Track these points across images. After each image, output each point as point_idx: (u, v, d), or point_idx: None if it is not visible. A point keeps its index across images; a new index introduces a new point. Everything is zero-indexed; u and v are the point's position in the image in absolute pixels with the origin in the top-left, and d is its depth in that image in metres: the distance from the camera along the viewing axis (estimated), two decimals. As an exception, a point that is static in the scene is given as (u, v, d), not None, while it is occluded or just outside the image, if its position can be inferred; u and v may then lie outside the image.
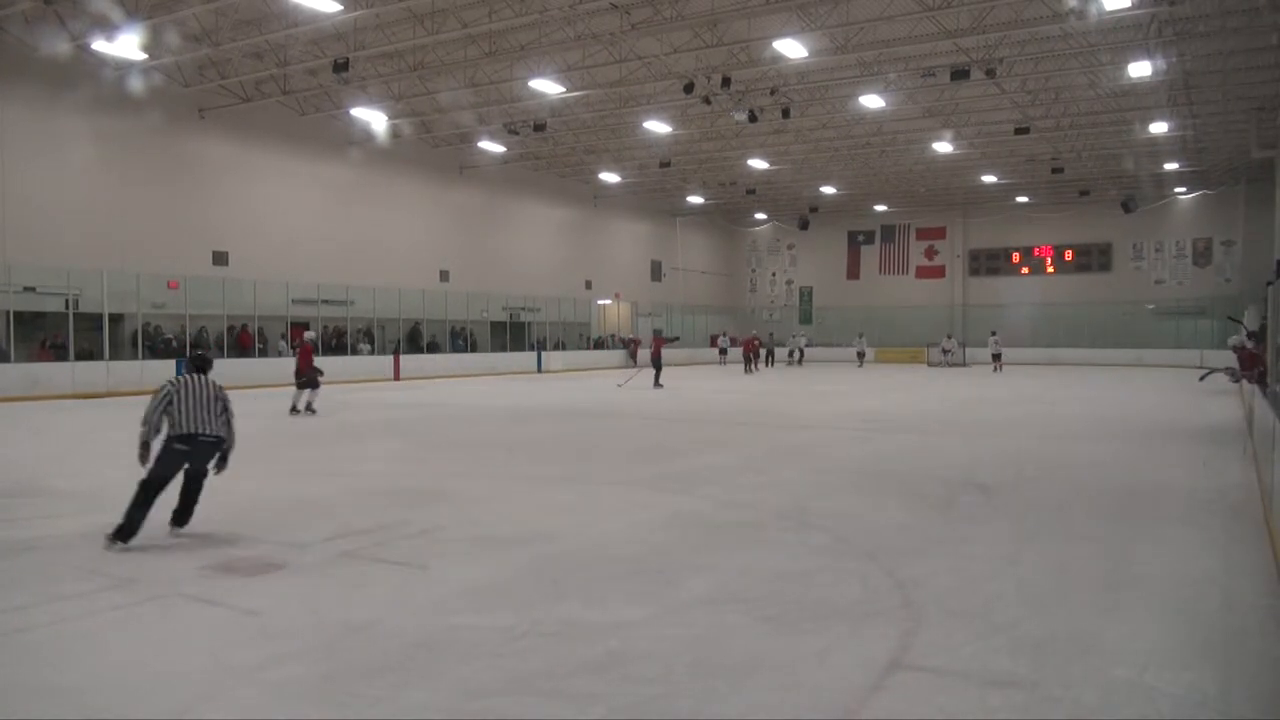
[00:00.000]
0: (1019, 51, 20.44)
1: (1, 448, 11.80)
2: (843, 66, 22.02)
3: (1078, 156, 30.32)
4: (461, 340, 30.63)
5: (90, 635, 4.39)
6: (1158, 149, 29.51)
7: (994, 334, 34.03)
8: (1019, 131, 25.74)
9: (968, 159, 31.71)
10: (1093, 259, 39.46)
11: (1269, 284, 10.80)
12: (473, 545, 6.20)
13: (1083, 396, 20.99)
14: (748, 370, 31.72)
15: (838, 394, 21.63)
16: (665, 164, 31.65)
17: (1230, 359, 18.75)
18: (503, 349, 32.12)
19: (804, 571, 5.52)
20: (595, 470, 9.94)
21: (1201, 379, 19.46)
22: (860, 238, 44.34)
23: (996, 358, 32.88)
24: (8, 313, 19.49)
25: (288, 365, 23.25)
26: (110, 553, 5.82)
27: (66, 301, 20.06)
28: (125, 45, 18.40)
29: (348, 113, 25.07)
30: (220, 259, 23.97)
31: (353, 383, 24.05)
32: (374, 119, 25.62)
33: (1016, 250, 41.05)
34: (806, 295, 46.06)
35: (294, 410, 15.58)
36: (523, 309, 33.99)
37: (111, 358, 20.27)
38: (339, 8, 16.99)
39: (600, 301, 38.63)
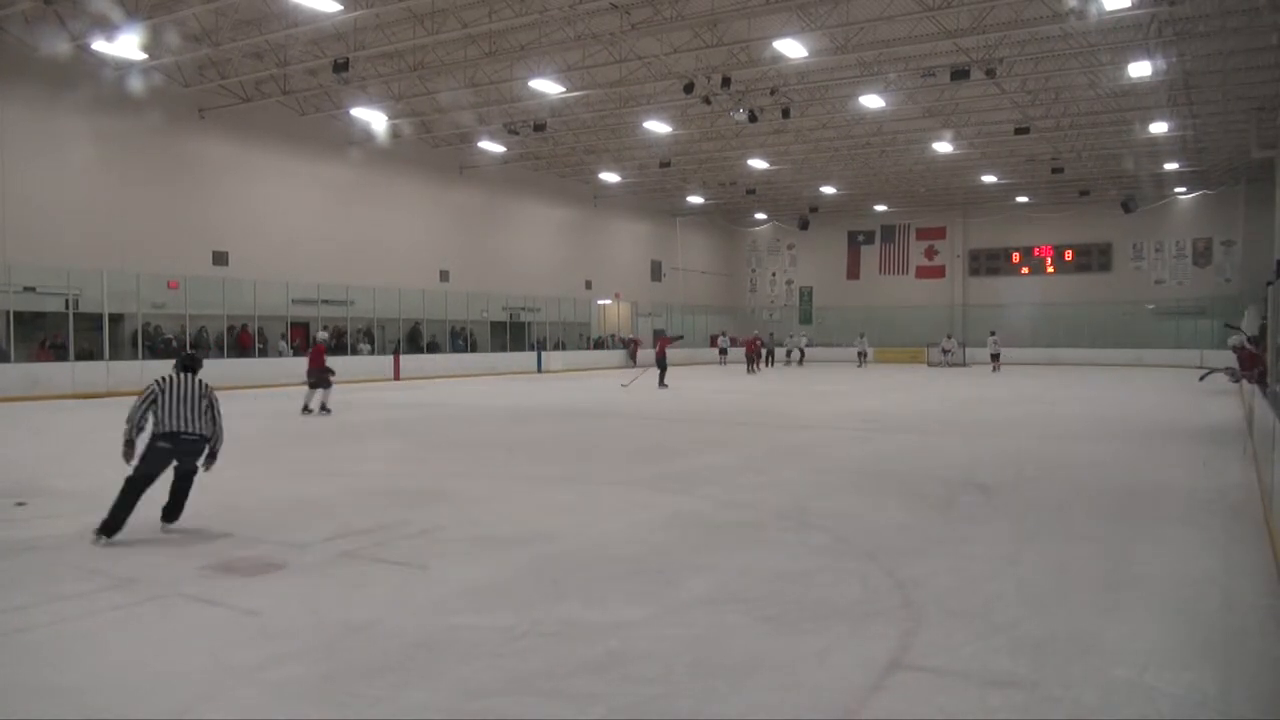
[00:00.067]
0: (1019, 51, 20.44)
1: (1, 448, 11.80)
2: (843, 66, 22.03)
3: (1078, 156, 30.32)
4: (461, 340, 30.64)
5: (90, 635, 4.39)
6: (1158, 149, 29.51)
7: (993, 334, 34.05)
8: (1019, 131, 25.74)
9: (968, 159, 31.72)
10: (1093, 259, 39.47)
11: (1269, 284, 10.81)
12: (473, 545, 6.20)
13: (1083, 396, 20.98)
14: (750, 370, 31.73)
15: (838, 394, 21.63)
16: (665, 164, 31.66)
17: (1230, 359, 18.76)
18: (503, 349, 32.13)
19: (804, 571, 5.52)
20: (595, 470, 9.94)
21: (1201, 379, 19.47)
22: (860, 238, 44.35)
23: (995, 358, 32.89)
24: (8, 313, 19.50)
25: (288, 365, 23.40)
26: (111, 553, 5.83)
27: (66, 301, 20.07)
28: (125, 45, 18.40)
29: (348, 113, 25.08)
30: (220, 259, 23.98)
31: (353, 383, 24.02)
32: (374, 119, 25.63)
33: (1016, 250, 41.06)
34: (806, 295, 46.07)
35: (306, 410, 15.57)
36: (523, 309, 34.00)
37: (111, 358, 20.28)
38: (339, 8, 16.99)
39: (600, 301, 38.64)
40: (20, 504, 7.44)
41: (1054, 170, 31.74)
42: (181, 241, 22.95)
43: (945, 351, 35.40)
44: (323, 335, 17.29)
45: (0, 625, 4.53)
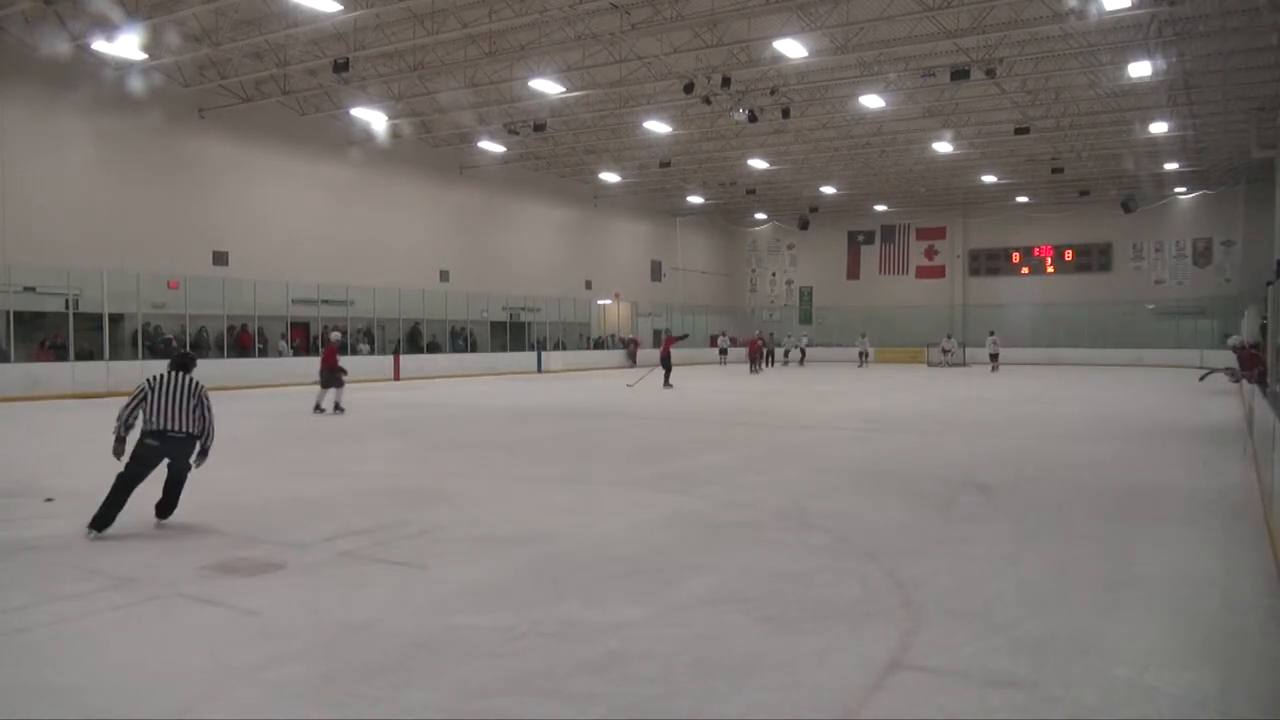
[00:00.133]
0: (1019, 51, 20.44)
1: (1, 448, 11.80)
2: (843, 66, 22.03)
3: (1078, 156, 30.32)
4: (461, 340, 30.64)
5: (90, 635, 4.39)
6: (1158, 149, 29.52)
7: (992, 334, 34.05)
8: (1019, 131, 25.74)
9: (968, 159, 31.72)
10: (1093, 259, 39.47)
11: (1269, 284, 10.81)
12: (473, 545, 6.20)
13: (1083, 396, 20.98)
14: (753, 370, 31.73)
15: (838, 394, 21.63)
16: (665, 164, 31.66)
17: (1230, 359, 18.77)
18: (503, 349, 32.13)
19: (804, 571, 5.52)
20: (595, 470, 9.94)
21: (1201, 379, 19.49)
22: (860, 238, 44.35)
23: (994, 358, 32.89)
24: (8, 313, 19.50)
25: (288, 365, 23.42)
26: (110, 553, 5.83)
27: (66, 301, 20.06)
28: (125, 45, 18.40)
29: (348, 113, 25.08)
30: (220, 259, 23.98)
31: (353, 383, 23.94)
32: (374, 119, 25.63)
33: (1016, 250, 41.07)
34: (806, 295, 46.08)
35: (318, 409, 15.61)
36: (523, 309, 34.00)
37: (111, 358, 20.26)
38: (339, 8, 16.99)
39: (600, 301, 38.64)
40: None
41: (1054, 170, 31.74)
42: (181, 241, 22.95)
43: (945, 351, 35.40)
44: (335, 335, 17.41)
45: (0, 625, 4.53)
